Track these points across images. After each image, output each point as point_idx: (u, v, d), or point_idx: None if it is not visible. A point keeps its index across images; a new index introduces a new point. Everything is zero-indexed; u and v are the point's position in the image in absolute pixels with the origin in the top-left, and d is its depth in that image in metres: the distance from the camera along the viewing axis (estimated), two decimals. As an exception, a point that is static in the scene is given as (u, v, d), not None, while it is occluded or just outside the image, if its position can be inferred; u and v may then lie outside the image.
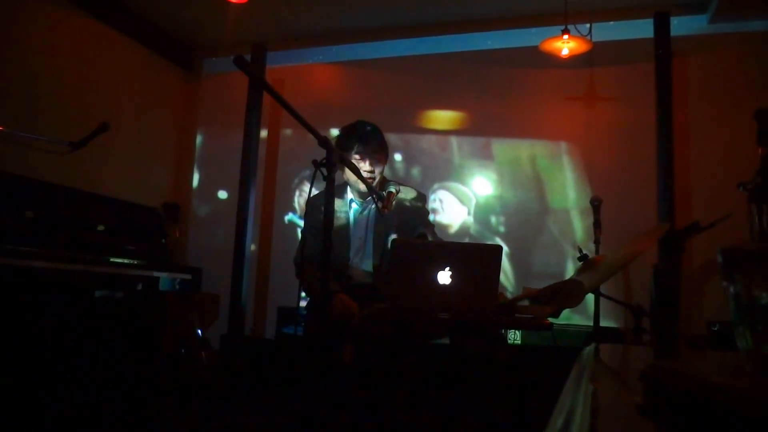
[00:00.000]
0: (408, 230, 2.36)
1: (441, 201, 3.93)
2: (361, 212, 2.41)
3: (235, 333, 3.83)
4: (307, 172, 4.08)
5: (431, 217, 3.85)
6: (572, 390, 0.65)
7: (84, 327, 2.69)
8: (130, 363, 2.86)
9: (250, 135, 4.03)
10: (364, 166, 2.28)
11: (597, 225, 2.64)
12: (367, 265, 2.35)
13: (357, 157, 2.29)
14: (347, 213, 2.41)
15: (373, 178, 2.30)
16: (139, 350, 2.96)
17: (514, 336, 2.98)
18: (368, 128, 2.34)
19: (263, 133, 4.24)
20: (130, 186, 3.87)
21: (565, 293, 1.69)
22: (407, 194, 2.39)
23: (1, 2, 3.12)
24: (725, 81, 3.42)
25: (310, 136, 1.56)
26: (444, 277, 1.61)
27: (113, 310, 2.88)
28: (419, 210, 2.41)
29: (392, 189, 2.00)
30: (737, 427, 0.40)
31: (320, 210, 2.29)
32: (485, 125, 3.93)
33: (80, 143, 2.65)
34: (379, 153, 2.33)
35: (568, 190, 3.71)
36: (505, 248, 3.65)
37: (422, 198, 2.46)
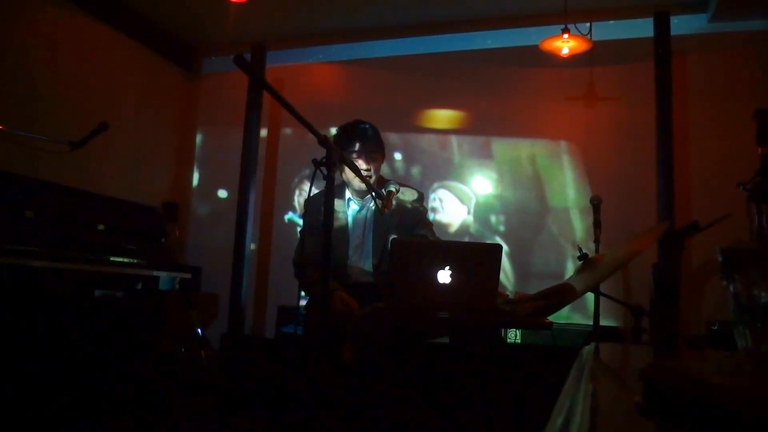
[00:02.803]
0: (407, 230, 2.36)
1: (441, 200, 3.93)
2: (360, 212, 2.41)
3: (235, 332, 3.83)
4: (307, 172, 4.08)
5: (431, 216, 3.87)
6: (572, 389, 0.65)
7: (84, 326, 2.69)
8: (130, 362, 2.86)
9: (250, 134, 4.03)
10: (362, 165, 2.28)
11: (597, 224, 2.63)
12: (366, 264, 2.35)
13: (354, 155, 2.28)
14: (346, 213, 2.41)
15: (370, 177, 2.30)
16: (139, 349, 2.96)
17: (515, 335, 2.98)
18: (366, 127, 2.34)
19: (263, 133, 4.24)
20: (129, 185, 3.87)
21: (558, 296, 1.69)
22: (407, 195, 2.40)
23: (1, 2, 3.11)
24: (725, 80, 3.42)
25: (310, 136, 1.56)
26: (444, 276, 1.61)
27: (113, 309, 2.88)
28: (418, 210, 2.41)
29: (392, 188, 2.01)
30: (737, 427, 0.40)
31: (319, 210, 2.29)
32: (485, 124, 3.93)
33: (80, 143, 2.65)
34: (377, 152, 2.33)
35: (567, 189, 3.71)
36: (505, 247, 3.65)
37: (421, 198, 2.46)
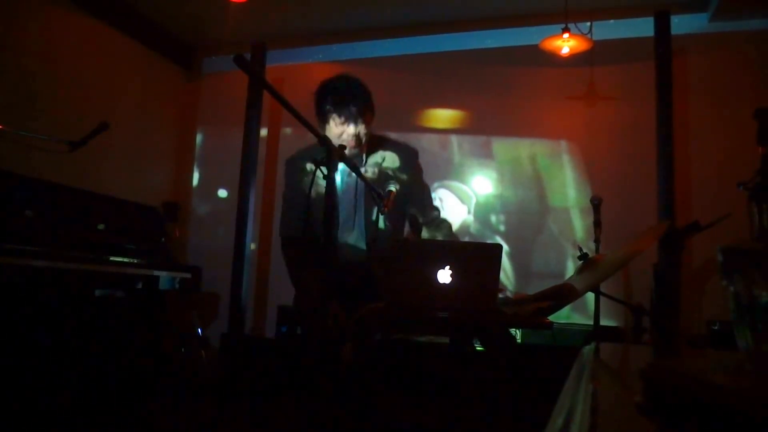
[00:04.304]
0: (401, 198, 2.11)
1: (441, 200, 3.92)
2: (349, 175, 2.11)
3: (235, 332, 3.83)
4: (307, 171, 4.07)
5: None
6: (572, 389, 0.65)
7: (84, 326, 2.69)
8: (130, 362, 2.86)
9: (250, 134, 4.02)
10: (349, 130, 2.03)
11: (597, 224, 2.63)
12: (358, 241, 2.14)
13: (337, 119, 2.01)
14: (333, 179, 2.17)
15: (361, 140, 2.06)
16: (139, 349, 2.96)
17: (515, 335, 2.98)
18: (343, 83, 2.03)
19: (263, 132, 4.24)
20: (130, 185, 3.87)
21: (559, 295, 1.69)
22: (395, 161, 2.16)
23: (1, 1, 3.11)
24: (726, 80, 3.42)
25: (310, 135, 1.56)
26: (444, 276, 1.61)
27: (113, 309, 2.88)
28: (413, 165, 2.22)
29: (392, 188, 1.97)
30: (737, 427, 0.40)
31: (305, 172, 2.04)
32: (485, 124, 3.93)
33: (80, 142, 2.65)
34: (365, 111, 2.03)
35: (568, 188, 3.70)
36: (506, 247, 3.64)
37: (414, 154, 2.23)
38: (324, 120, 2.06)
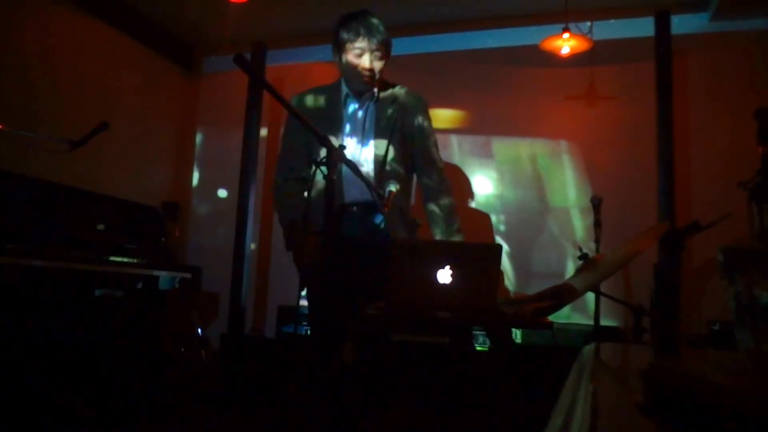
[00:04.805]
0: (409, 134, 2.13)
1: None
2: (357, 112, 2.13)
3: (235, 332, 3.83)
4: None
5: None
6: (572, 389, 0.65)
7: (84, 326, 2.69)
8: (130, 362, 2.86)
9: (250, 134, 4.02)
10: (365, 64, 2.04)
11: (597, 224, 2.64)
12: (364, 194, 2.05)
13: (357, 51, 2.03)
14: (340, 114, 2.11)
15: (373, 77, 2.07)
16: (139, 349, 2.96)
17: (515, 335, 2.98)
18: (374, 21, 2.04)
19: (263, 132, 4.24)
20: (129, 185, 3.87)
21: (558, 295, 1.69)
22: (405, 103, 2.13)
23: (1, 1, 3.11)
24: (726, 80, 3.41)
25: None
26: (444, 276, 1.61)
27: (113, 309, 2.88)
28: (421, 110, 2.19)
29: (393, 188, 1.95)
30: (737, 427, 0.40)
31: (307, 111, 2.00)
32: (485, 124, 3.93)
33: (80, 142, 2.65)
34: (383, 50, 2.05)
35: (568, 188, 3.70)
36: (506, 247, 3.65)
37: (424, 102, 2.23)
38: (340, 50, 2.08)
